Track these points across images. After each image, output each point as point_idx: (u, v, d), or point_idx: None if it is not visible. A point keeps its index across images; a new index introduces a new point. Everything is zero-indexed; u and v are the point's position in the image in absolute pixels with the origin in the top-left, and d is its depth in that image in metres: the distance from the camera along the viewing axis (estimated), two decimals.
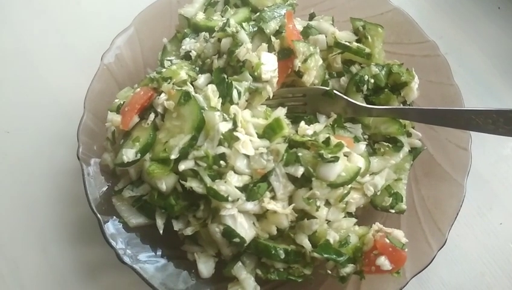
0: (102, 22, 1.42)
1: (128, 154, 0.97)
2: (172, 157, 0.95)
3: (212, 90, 1.02)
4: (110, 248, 0.99)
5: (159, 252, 1.04)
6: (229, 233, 0.95)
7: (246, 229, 0.96)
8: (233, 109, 1.00)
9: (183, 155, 0.96)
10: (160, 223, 1.01)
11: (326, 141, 0.98)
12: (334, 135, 1.04)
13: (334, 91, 1.09)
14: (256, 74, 1.04)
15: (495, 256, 1.19)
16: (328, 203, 1.00)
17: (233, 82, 1.03)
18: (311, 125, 1.07)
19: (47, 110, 1.33)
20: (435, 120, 1.03)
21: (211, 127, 0.97)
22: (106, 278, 1.15)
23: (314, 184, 0.96)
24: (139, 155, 0.97)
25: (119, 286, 1.13)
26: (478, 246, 1.20)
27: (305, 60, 1.08)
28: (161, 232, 1.01)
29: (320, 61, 1.12)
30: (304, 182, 0.98)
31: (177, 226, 1.01)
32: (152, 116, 1.01)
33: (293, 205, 0.98)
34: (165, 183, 0.97)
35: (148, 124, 1.00)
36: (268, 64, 1.05)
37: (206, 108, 0.98)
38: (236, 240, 0.95)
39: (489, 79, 1.41)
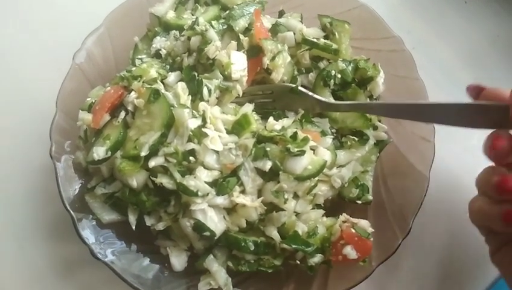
0: (73, 22, 1.42)
1: (99, 152, 0.98)
2: (143, 154, 0.96)
3: (181, 88, 1.04)
4: (85, 245, 1.01)
5: (133, 248, 1.06)
6: (200, 227, 0.97)
7: (216, 223, 0.98)
8: (202, 105, 1.02)
9: (153, 152, 0.97)
10: (132, 219, 1.03)
11: (294, 136, 1.00)
12: (302, 130, 1.06)
13: (300, 88, 1.11)
14: (226, 73, 1.06)
15: (462, 244, 1.23)
16: (296, 196, 1.03)
17: (203, 80, 1.05)
18: (280, 120, 1.09)
19: (19, 110, 1.33)
20: (398, 114, 1.05)
21: (180, 124, 0.99)
22: (83, 274, 1.16)
23: (282, 177, 0.99)
24: (109, 153, 0.99)
25: (96, 281, 1.15)
26: (445, 235, 1.24)
27: (273, 58, 1.10)
28: (133, 228, 1.03)
29: (289, 58, 1.14)
30: (272, 175, 1.00)
31: (149, 221, 1.03)
32: (122, 114, 1.02)
33: (261, 198, 1.00)
34: (135, 180, 0.99)
35: (118, 122, 1.02)
36: (238, 64, 1.07)
37: (176, 105, 1.00)
38: (207, 233, 0.97)
39: (455, 72, 1.45)
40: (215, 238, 0.98)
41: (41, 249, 1.19)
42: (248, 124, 1.02)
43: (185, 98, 1.02)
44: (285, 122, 1.09)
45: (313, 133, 1.04)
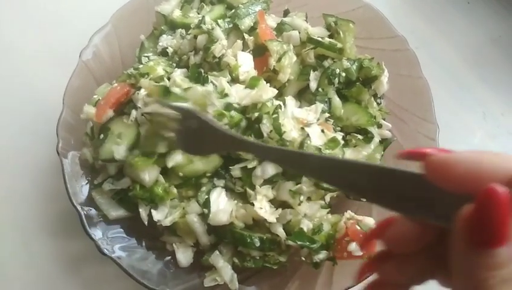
0: (80, 19, 1.43)
1: (120, 151, 1.00)
2: (161, 150, 0.98)
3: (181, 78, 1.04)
4: (91, 241, 1.01)
5: (139, 243, 1.07)
6: (205, 204, 1.00)
7: (218, 209, 0.99)
8: None
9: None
10: (144, 214, 1.03)
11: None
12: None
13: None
14: (234, 75, 1.07)
15: None
16: (309, 199, 1.04)
17: (209, 76, 1.05)
18: None
19: (26, 107, 1.34)
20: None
21: None
22: (89, 270, 1.16)
23: (304, 179, 1.00)
24: (128, 152, 1.00)
25: (102, 277, 1.15)
26: None
27: (280, 59, 1.10)
28: (146, 223, 1.03)
29: (294, 58, 1.14)
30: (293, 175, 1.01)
31: (156, 216, 1.03)
32: (134, 112, 1.03)
33: (279, 211, 1.01)
34: (148, 174, 0.99)
35: (131, 120, 1.03)
36: (245, 65, 1.08)
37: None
38: (205, 211, 0.99)
39: (458, 71, 1.46)
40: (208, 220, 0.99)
41: (48, 246, 1.19)
42: None
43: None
44: None
45: (326, 126, 1.03)
